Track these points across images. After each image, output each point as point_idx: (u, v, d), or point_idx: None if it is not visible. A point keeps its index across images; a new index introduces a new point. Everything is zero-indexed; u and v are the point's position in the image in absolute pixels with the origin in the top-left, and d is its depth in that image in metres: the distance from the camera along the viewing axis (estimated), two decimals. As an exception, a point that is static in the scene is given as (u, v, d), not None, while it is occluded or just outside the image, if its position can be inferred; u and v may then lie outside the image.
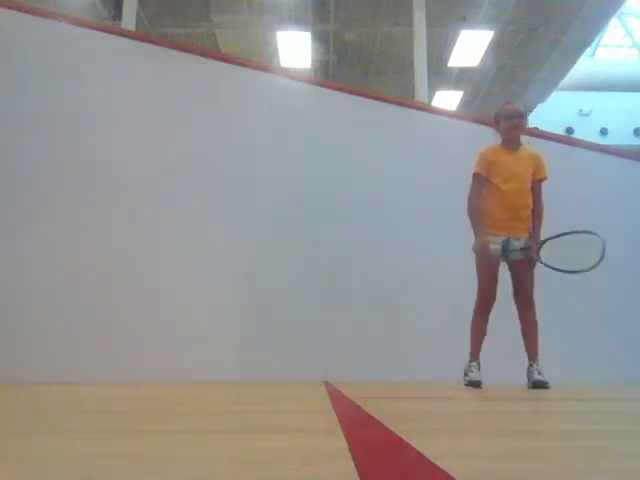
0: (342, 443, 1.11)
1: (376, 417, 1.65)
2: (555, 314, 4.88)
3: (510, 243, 3.34)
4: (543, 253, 3.27)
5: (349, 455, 0.97)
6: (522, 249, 3.35)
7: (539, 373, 3.35)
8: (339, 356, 4.44)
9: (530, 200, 3.48)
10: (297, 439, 1.25)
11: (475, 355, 3.46)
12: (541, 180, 3.50)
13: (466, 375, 3.46)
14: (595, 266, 3.10)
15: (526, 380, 3.41)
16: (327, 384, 3.63)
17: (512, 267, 3.45)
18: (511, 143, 3.46)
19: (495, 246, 3.38)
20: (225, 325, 4.49)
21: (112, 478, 0.83)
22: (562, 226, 5.17)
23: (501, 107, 3.54)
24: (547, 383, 3.29)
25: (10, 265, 4.32)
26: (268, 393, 3.04)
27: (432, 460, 0.92)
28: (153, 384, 3.69)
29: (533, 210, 3.50)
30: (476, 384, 3.34)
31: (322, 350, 4.45)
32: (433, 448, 1.07)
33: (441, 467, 0.87)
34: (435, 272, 4.53)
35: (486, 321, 3.49)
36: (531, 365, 3.43)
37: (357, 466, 0.87)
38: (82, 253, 4.42)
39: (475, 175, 3.48)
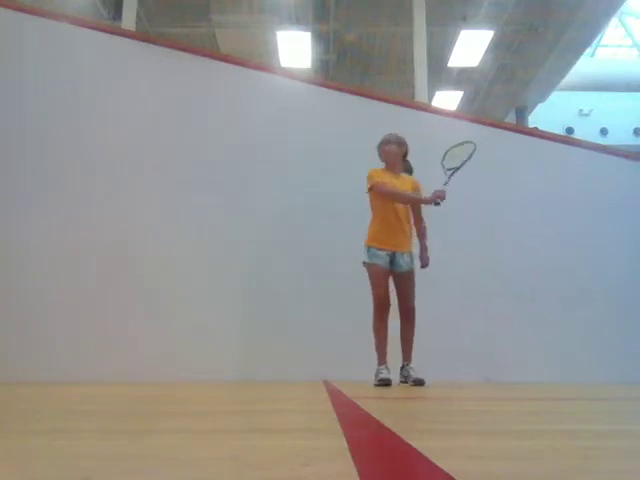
0: (342, 443, 1.10)
1: (376, 417, 1.65)
2: (556, 314, 4.88)
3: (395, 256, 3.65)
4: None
5: (349, 455, 0.97)
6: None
7: (415, 372, 3.58)
8: (339, 356, 4.43)
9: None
10: (297, 439, 1.25)
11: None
12: None
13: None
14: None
15: (402, 378, 3.62)
16: (327, 384, 3.63)
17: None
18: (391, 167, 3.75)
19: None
20: (225, 325, 4.49)
21: (112, 478, 0.83)
22: (562, 226, 5.19)
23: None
24: (424, 380, 3.51)
25: (10, 265, 4.32)
26: (268, 393, 3.04)
27: (432, 460, 0.92)
28: (153, 384, 3.69)
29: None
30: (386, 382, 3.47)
31: (322, 350, 4.45)
32: (433, 448, 1.07)
33: (441, 467, 0.87)
34: (435, 272, 4.53)
35: None
36: (408, 365, 3.68)
37: (357, 466, 0.87)
38: (82, 253, 4.42)
39: None
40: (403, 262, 3.60)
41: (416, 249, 3.70)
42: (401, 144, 3.76)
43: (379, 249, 3.60)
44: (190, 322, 4.42)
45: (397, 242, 3.59)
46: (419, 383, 3.50)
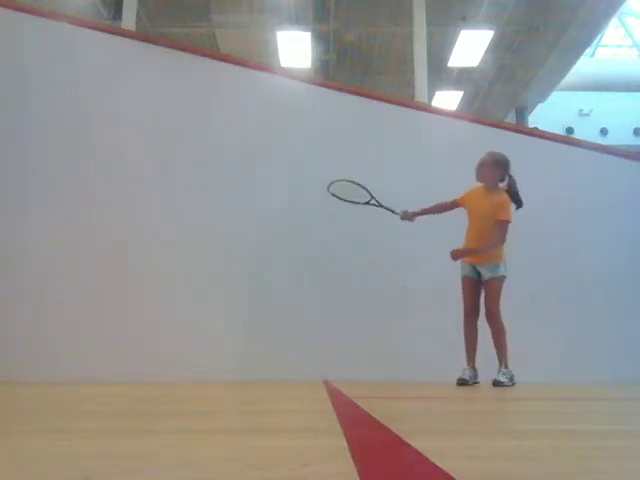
0: (342, 443, 1.11)
1: (376, 417, 1.65)
2: (556, 314, 4.88)
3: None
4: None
5: (349, 455, 0.97)
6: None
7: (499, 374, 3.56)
8: (339, 356, 4.44)
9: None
10: (297, 439, 1.25)
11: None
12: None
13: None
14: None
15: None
16: (327, 384, 3.63)
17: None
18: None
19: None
20: (225, 325, 4.49)
21: (112, 478, 0.83)
22: (562, 226, 5.18)
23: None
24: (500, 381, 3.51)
25: (10, 265, 4.32)
26: (268, 393, 3.04)
27: (432, 460, 0.92)
28: (153, 384, 3.69)
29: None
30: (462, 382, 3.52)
31: (322, 350, 4.45)
32: (433, 448, 1.07)
33: (441, 467, 0.87)
34: (435, 272, 4.53)
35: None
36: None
37: (357, 466, 0.87)
38: (82, 253, 4.42)
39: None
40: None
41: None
42: (493, 164, 3.68)
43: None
44: (190, 322, 4.42)
45: None
46: (495, 384, 3.46)
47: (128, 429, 1.46)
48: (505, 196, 3.58)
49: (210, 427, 1.51)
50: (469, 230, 3.63)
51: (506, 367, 3.53)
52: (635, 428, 1.67)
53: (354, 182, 3.84)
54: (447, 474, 0.82)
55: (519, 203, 3.61)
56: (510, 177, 3.68)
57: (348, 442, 1.11)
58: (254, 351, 4.44)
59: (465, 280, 3.63)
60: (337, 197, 3.79)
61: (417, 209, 3.88)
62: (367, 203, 3.78)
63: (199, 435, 1.32)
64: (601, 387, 3.96)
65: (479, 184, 3.74)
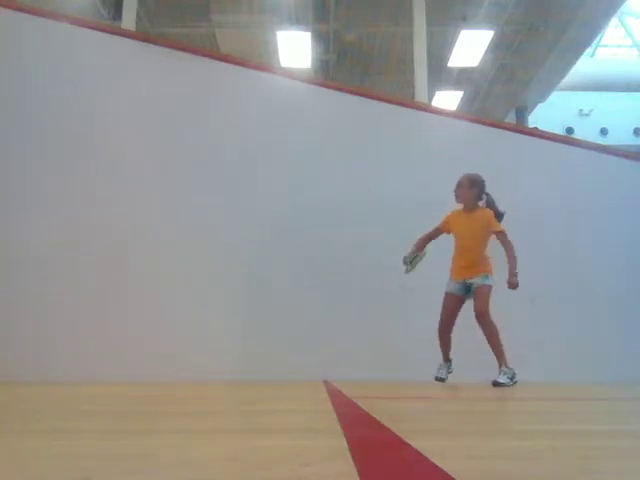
0: (342, 443, 1.11)
1: (376, 417, 1.65)
2: (556, 314, 4.88)
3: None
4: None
5: (349, 455, 0.97)
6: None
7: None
8: (339, 356, 4.44)
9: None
10: (297, 439, 1.25)
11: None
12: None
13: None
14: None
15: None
16: (327, 384, 3.63)
17: None
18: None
19: None
20: (225, 325, 4.49)
21: (112, 478, 0.83)
22: (562, 226, 5.18)
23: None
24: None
25: (10, 265, 4.32)
26: (268, 393, 3.04)
27: (432, 460, 0.92)
28: (153, 384, 3.69)
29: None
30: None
31: (322, 350, 4.45)
32: (433, 448, 1.07)
33: (441, 467, 0.87)
34: (435, 272, 4.53)
35: None
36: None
37: (357, 466, 0.87)
38: (82, 253, 4.42)
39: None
40: None
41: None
42: (468, 185, 3.81)
43: None
44: (190, 322, 4.41)
45: None
46: (494, 384, 3.51)
47: (128, 429, 1.46)
48: (487, 210, 3.74)
49: (210, 427, 1.51)
50: (457, 250, 3.79)
51: (506, 366, 3.53)
52: (635, 428, 1.67)
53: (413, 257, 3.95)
54: (447, 474, 0.82)
55: (500, 217, 3.76)
56: (487, 195, 3.84)
57: (348, 442, 1.11)
58: (254, 351, 4.44)
59: (450, 297, 3.79)
60: (418, 261, 3.91)
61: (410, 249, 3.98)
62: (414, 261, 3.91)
63: (199, 435, 1.32)
64: (601, 387, 3.96)
65: (457, 207, 3.89)
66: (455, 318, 3.81)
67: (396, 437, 1.22)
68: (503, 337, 3.68)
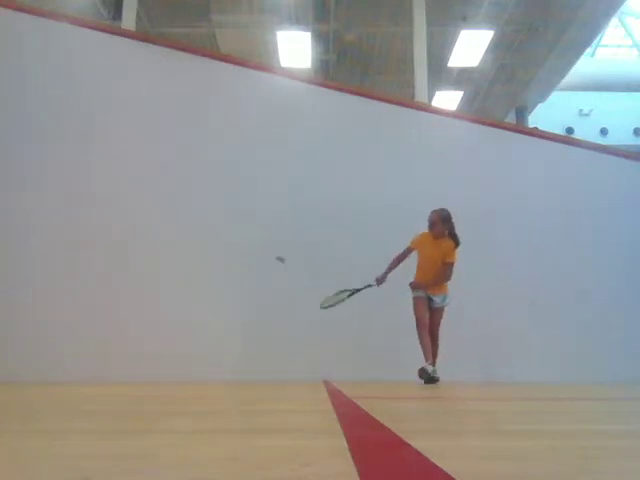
0: (342, 443, 1.11)
1: (376, 417, 1.65)
2: (556, 315, 4.88)
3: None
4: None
5: (349, 455, 0.97)
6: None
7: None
8: (339, 356, 4.44)
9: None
10: (297, 439, 1.25)
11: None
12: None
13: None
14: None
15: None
16: (327, 384, 3.63)
17: None
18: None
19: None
20: (225, 325, 4.49)
21: (112, 478, 0.83)
22: (562, 226, 5.19)
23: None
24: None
25: (10, 265, 4.32)
26: (268, 393, 3.04)
27: (432, 460, 0.92)
28: (153, 384, 3.69)
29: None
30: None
31: (322, 350, 4.45)
32: (433, 448, 1.07)
33: (441, 467, 0.87)
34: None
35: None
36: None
37: (357, 466, 0.87)
38: (82, 254, 4.42)
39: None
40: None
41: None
42: (441, 222, 4.25)
43: None
44: (190, 322, 4.42)
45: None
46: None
47: (128, 429, 1.45)
48: (450, 242, 4.23)
49: (210, 427, 1.51)
50: (420, 266, 4.29)
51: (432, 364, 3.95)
52: (635, 428, 1.67)
53: (333, 296, 4.27)
54: (447, 474, 0.82)
55: (457, 242, 4.24)
56: (452, 223, 4.31)
57: (348, 442, 1.11)
58: (254, 351, 4.44)
59: (420, 299, 4.22)
60: (331, 306, 4.20)
61: (383, 270, 4.26)
62: (349, 296, 4.24)
63: (199, 435, 1.32)
64: (601, 387, 3.96)
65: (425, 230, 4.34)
66: (428, 312, 4.22)
67: (396, 437, 1.22)
68: (503, 338, 3.69)
